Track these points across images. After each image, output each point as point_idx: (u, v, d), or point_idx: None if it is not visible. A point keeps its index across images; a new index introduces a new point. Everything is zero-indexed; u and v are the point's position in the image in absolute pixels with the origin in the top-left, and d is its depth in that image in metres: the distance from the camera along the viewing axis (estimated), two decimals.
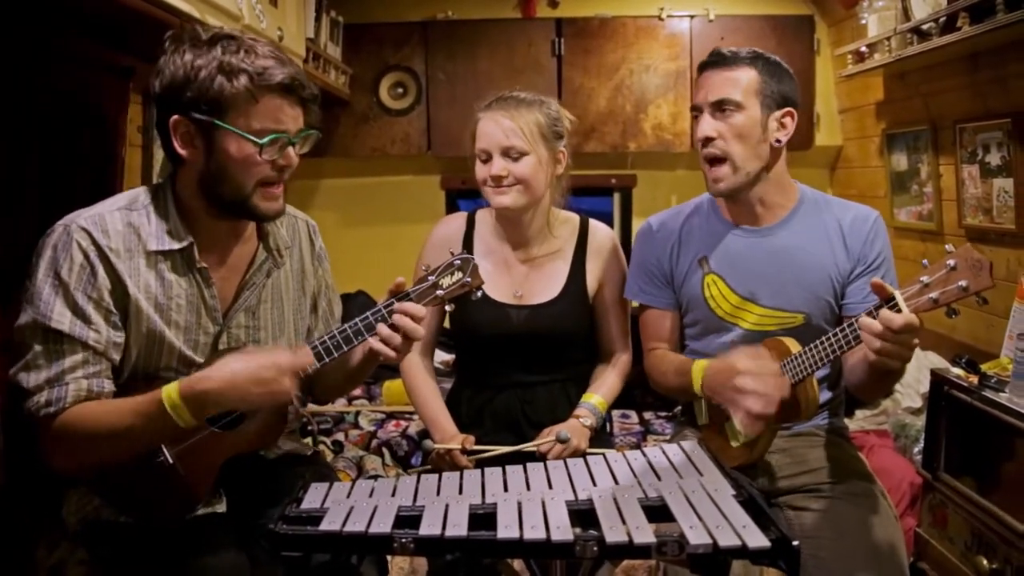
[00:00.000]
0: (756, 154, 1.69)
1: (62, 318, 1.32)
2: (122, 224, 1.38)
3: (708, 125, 1.69)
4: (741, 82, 1.67)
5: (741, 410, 1.52)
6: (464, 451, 1.81)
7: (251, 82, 1.32)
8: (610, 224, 3.98)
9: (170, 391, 1.28)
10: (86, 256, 1.33)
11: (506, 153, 1.86)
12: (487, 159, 1.88)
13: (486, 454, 1.81)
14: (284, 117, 1.37)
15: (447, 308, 1.53)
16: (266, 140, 1.35)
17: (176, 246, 1.40)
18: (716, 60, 1.71)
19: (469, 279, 1.48)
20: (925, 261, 1.33)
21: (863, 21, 2.90)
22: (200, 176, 1.39)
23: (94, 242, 1.34)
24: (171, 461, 1.37)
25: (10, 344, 1.36)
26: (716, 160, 1.70)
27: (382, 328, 1.42)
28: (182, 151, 1.37)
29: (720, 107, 1.68)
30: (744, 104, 1.67)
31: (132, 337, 1.39)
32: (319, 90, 1.47)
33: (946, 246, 1.33)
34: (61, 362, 1.32)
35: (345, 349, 1.43)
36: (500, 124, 1.86)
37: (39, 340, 1.32)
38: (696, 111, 1.73)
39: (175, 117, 1.35)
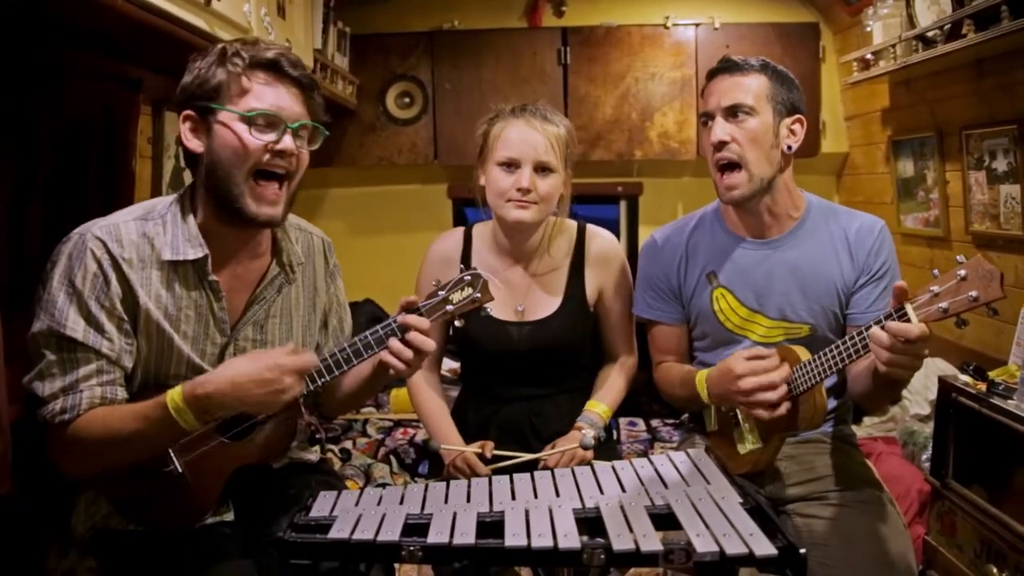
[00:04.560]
0: (769, 160, 1.68)
1: (76, 326, 1.33)
2: (136, 234, 1.39)
3: (722, 129, 1.67)
4: (753, 87, 1.67)
5: (756, 408, 1.56)
6: (481, 456, 1.80)
7: (242, 63, 1.36)
8: (617, 231, 4.01)
9: (174, 394, 1.29)
10: (100, 265, 1.35)
11: (537, 167, 1.81)
12: (514, 168, 1.82)
13: (507, 462, 1.80)
14: (275, 97, 1.37)
15: (457, 323, 1.51)
16: (254, 113, 1.35)
17: (191, 255, 1.40)
18: (727, 66, 1.70)
19: (479, 295, 1.47)
20: (936, 271, 1.33)
21: (868, 28, 2.90)
22: (206, 173, 1.40)
23: (108, 251, 1.35)
24: (180, 470, 1.38)
25: (19, 354, 1.37)
26: (731, 166, 1.68)
27: (393, 342, 1.41)
28: (189, 144, 1.39)
29: (733, 112, 1.67)
30: (757, 109, 1.66)
31: (142, 345, 1.40)
32: (314, 79, 1.47)
33: (957, 257, 1.32)
34: (76, 371, 1.33)
35: (355, 362, 1.43)
36: (534, 135, 1.80)
37: (53, 348, 1.33)
38: (706, 117, 1.71)
39: (184, 112, 1.38)
